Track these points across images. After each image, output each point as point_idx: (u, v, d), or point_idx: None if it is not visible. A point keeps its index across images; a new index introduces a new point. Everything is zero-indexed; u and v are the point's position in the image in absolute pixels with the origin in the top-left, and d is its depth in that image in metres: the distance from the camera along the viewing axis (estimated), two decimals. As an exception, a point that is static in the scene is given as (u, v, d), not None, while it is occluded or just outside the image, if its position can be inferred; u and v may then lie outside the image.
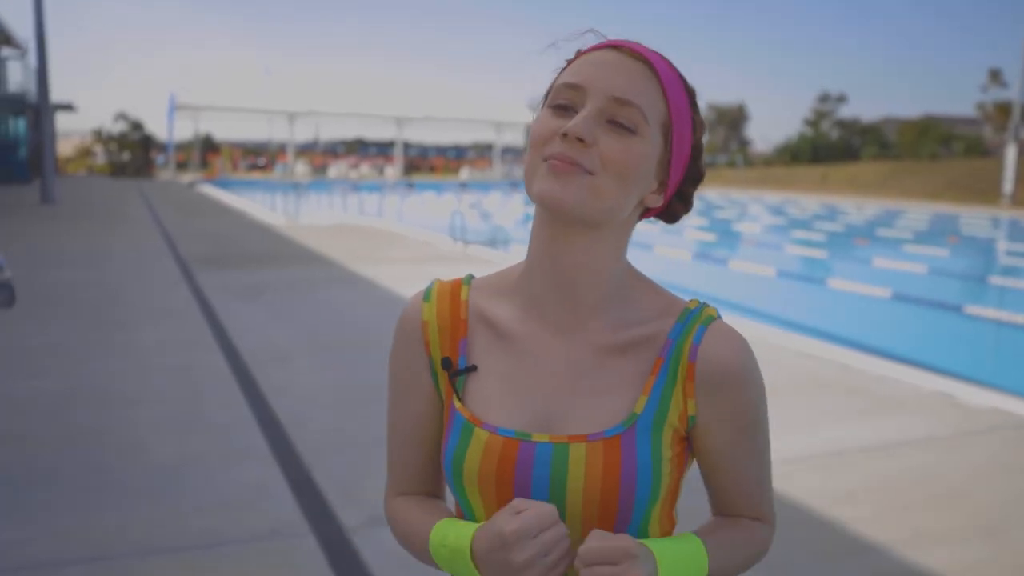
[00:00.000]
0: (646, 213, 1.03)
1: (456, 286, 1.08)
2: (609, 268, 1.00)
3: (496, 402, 1.00)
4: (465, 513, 1.03)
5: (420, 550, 1.04)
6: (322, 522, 3.46)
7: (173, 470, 3.99)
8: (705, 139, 1.04)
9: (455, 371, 1.03)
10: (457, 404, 1.02)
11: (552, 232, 0.98)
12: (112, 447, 4.29)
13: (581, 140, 0.91)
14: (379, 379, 6.10)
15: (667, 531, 1.04)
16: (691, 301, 1.04)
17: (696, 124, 1.01)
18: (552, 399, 0.99)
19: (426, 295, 1.08)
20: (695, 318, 1.00)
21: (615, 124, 0.93)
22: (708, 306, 1.02)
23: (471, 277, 1.10)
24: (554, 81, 1.00)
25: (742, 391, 0.99)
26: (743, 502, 1.06)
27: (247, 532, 3.37)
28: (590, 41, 1.01)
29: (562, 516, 0.96)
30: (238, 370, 5.78)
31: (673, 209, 1.04)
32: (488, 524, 0.93)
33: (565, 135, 0.91)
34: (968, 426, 4.84)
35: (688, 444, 1.02)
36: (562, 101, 0.95)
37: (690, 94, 1.01)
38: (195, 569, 3.09)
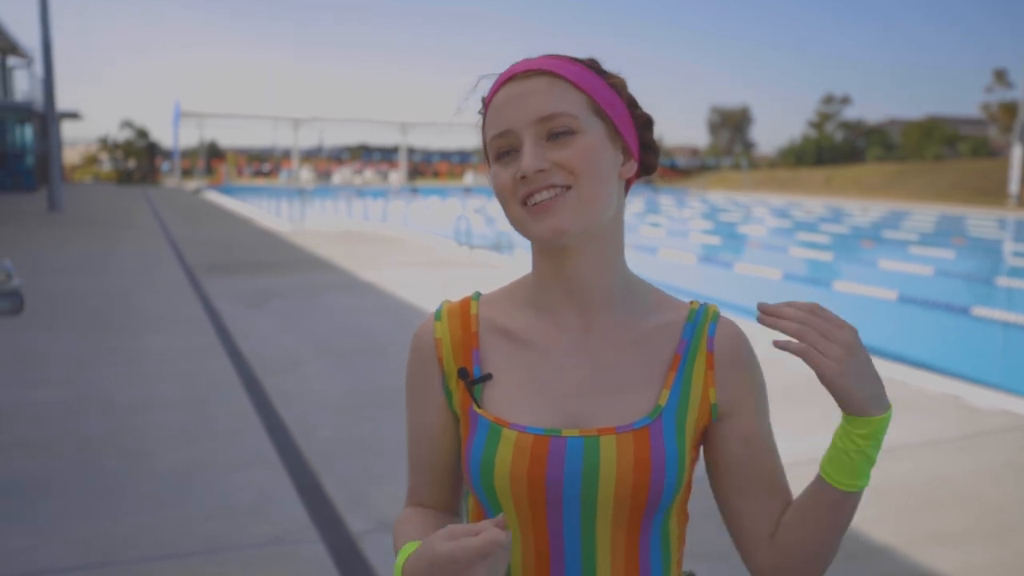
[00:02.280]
0: (628, 185, 1.09)
1: (465, 304, 1.13)
2: (614, 267, 1.06)
3: (519, 405, 1.04)
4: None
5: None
6: (330, 528, 3.47)
7: (180, 476, 4.00)
8: (631, 90, 1.08)
9: (471, 380, 1.06)
10: (477, 409, 1.05)
11: (556, 254, 1.03)
12: (119, 454, 4.30)
13: (540, 170, 0.98)
14: (387, 384, 6.14)
15: (683, 525, 1.08)
16: (692, 302, 1.11)
17: (614, 85, 1.05)
18: (575, 397, 1.03)
19: (437, 315, 1.12)
20: (703, 315, 1.08)
21: (554, 136, 0.99)
22: (710, 304, 1.11)
23: (479, 294, 1.14)
24: (483, 138, 1.07)
25: (755, 375, 1.08)
26: (784, 494, 1.08)
27: (255, 538, 3.38)
28: (488, 85, 1.07)
29: (594, 507, 1.00)
30: (245, 376, 5.80)
31: (646, 161, 1.09)
32: (422, 546, 0.92)
33: (524, 176, 0.98)
34: (975, 428, 4.83)
35: (701, 438, 1.07)
36: (503, 151, 1.01)
37: (590, 66, 1.05)
38: (203, 574, 3.09)
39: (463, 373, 1.07)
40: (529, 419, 1.02)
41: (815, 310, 0.94)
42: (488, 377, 1.06)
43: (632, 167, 1.06)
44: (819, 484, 0.99)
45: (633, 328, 1.06)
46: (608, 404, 1.02)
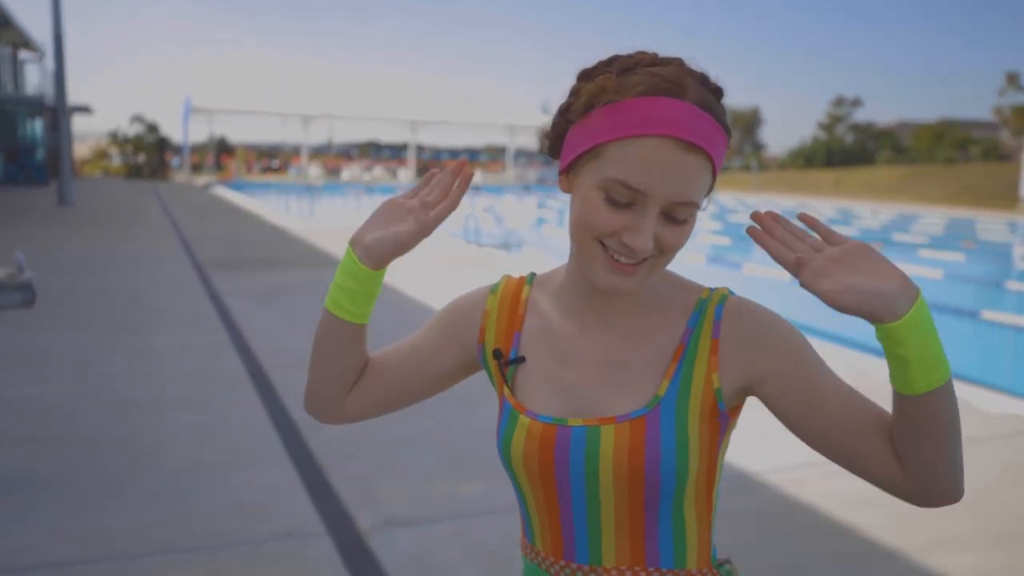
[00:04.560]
0: None
1: (520, 283, 1.19)
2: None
3: (536, 392, 1.11)
4: (519, 495, 1.13)
5: (322, 327, 1.16)
6: (338, 524, 3.48)
7: (189, 472, 4.01)
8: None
9: (506, 361, 1.13)
10: (507, 393, 1.13)
11: None
12: (128, 450, 4.32)
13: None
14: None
15: (704, 514, 1.09)
16: (703, 291, 1.11)
17: (729, 143, 1.04)
18: (587, 388, 1.09)
19: (494, 288, 1.19)
20: (709, 302, 1.08)
21: (671, 217, 0.99)
22: (720, 288, 1.10)
23: (533, 276, 1.20)
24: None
25: (769, 337, 1.04)
26: (866, 419, 1.01)
27: (262, 534, 3.39)
28: (638, 79, 0.97)
29: (596, 494, 1.05)
30: (254, 372, 5.81)
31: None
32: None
33: (627, 245, 0.97)
34: (985, 432, 4.81)
35: (722, 425, 1.06)
36: (620, 199, 0.97)
37: (718, 108, 1.00)
38: (210, 570, 3.11)
39: (497, 354, 1.13)
40: (541, 407, 1.09)
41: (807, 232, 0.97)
42: (522, 360, 1.12)
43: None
44: (894, 395, 0.95)
45: (647, 320, 1.09)
46: (614, 395, 1.07)
